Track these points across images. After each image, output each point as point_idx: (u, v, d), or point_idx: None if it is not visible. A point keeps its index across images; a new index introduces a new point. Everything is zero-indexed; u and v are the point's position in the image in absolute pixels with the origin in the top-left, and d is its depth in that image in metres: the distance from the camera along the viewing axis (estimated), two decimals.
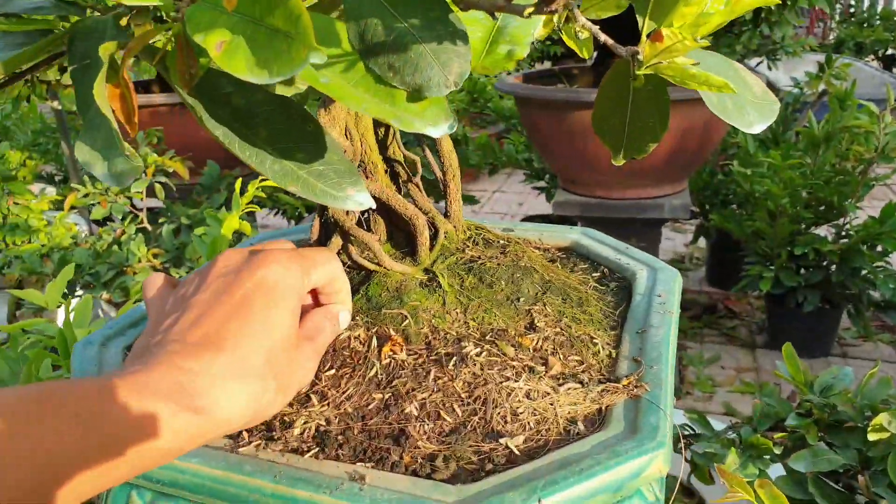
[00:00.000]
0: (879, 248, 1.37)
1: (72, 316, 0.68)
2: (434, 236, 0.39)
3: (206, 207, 1.24)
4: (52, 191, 1.78)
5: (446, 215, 0.41)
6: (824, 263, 1.40)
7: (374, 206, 0.26)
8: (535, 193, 2.25)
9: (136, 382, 0.25)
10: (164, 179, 1.25)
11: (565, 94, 1.16)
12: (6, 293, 1.50)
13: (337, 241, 0.38)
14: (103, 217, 1.36)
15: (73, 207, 1.41)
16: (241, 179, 0.88)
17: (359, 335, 0.34)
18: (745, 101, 0.31)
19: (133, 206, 1.35)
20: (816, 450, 0.57)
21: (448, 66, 0.22)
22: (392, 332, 0.34)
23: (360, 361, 0.33)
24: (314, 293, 0.33)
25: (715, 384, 1.48)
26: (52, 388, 0.24)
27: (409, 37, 0.23)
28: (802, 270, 1.43)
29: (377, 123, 0.40)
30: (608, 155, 0.34)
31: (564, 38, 0.29)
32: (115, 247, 1.30)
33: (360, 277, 0.38)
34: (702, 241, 1.91)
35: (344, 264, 0.39)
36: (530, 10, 0.22)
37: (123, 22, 0.25)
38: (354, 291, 0.37)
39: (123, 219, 1.33)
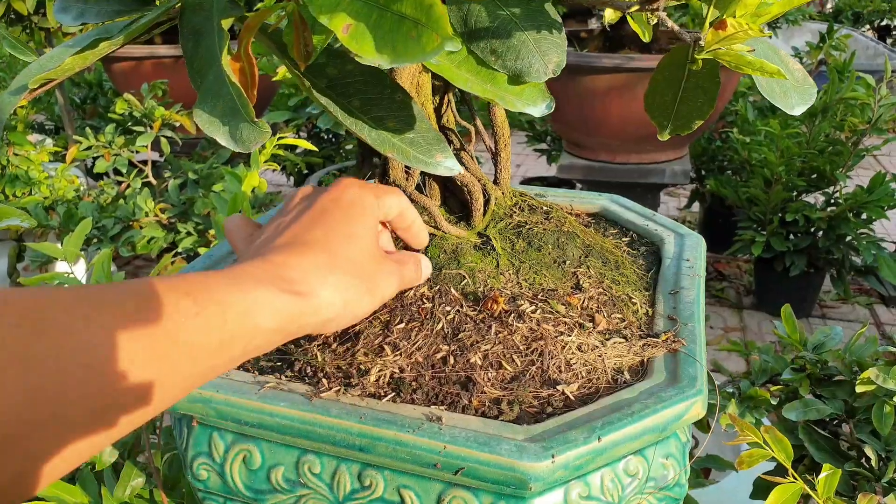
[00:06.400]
0: (864, 216, 1.43)
1: (92, 270, 0.68)
2: (486, 202, 0.42)
3: (213, 162, 1.24)
4: (49, 143, 1.74)
5: (495, 182, 0.43)
6: (812, 230, 1.46)
7: (461, 171, 0.28)
8: (535, 156, 2.26)
9: (235, 274, 0.26)
10: (170, 134, 1.24)
11: (577, 58, 1.17)
12: (6, 244, 1.50)
13: None
14: (103, 171, 1.35)
15: (73, 160, 1.40)
16: None
17: (423, 292, 0.38)
18: (789, 85, 0.33)
19: (130, 160, 1.34)
20: (807, 401, 0.63)
21: (548, 55, 0.25)
22: (487, 292, 0.37)
23: (428, 316, 0.36)
24: (391, 228, 0.36)
25: None
26: (155, 281, 0.24)
27: (512, 24, 0.25)
28: (791, 236, 1.49)
29: (433, 93, 0.42)
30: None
31: (631, 21, 0.32)
32: (121, 200, 1.30)
33: None
34: (695, 206, 1.96)
35: None
36: (635, 7, 0.24)
37: None
38: None
39: (127, 172, 1.32)
